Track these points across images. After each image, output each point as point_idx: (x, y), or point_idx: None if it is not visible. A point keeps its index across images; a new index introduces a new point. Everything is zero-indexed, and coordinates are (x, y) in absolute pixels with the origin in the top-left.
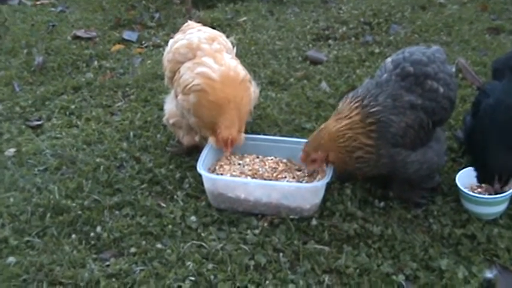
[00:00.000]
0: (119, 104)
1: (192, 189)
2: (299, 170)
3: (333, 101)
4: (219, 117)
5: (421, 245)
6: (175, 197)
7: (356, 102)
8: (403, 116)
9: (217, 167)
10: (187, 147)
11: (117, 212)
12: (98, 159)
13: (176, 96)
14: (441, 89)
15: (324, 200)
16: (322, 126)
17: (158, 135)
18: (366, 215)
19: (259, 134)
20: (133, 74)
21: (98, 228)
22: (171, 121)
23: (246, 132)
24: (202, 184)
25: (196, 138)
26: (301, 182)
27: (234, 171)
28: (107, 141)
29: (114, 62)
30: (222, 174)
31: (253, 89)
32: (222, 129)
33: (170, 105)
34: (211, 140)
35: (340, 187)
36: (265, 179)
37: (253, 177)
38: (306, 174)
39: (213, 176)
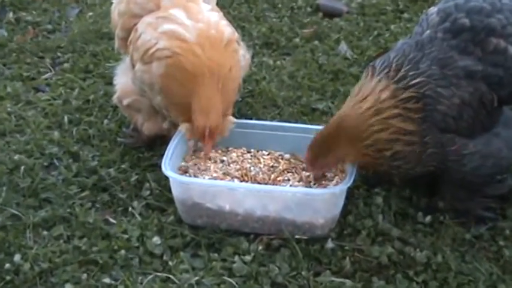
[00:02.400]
0: (47, 75)
1: (155, 198)
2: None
3: (356, 69)
4: (193, 96)
5: (487, 279)
6: (130, 209)
7: (386, 73)
8: (456, 88)
9: (191, 166)
10: (147, 138)
11: (45, 233)
12: (16, 156)
13: (133, 65)
14: (511, 50)
15: (345, 212)
16: (336, 115)
17: (105, 121)
18: (405, 235)
19: (250, 118)
20: (68, 31)
21: (17, 257)
22: (125, 101)
23: (233, 116)
24: (169, 191)
25: (165, 125)
26: (310, 186)
27: (215, 171)
28: (29, 130)
29: (38, 14)
30: (197, 176)
31: (243, 54)
32: (197, 115)
33: (124, 79)
34: (182, 128)
35: (368, 194)
36: (259, 183)
37: (242, 180)
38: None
39: (186, 178)
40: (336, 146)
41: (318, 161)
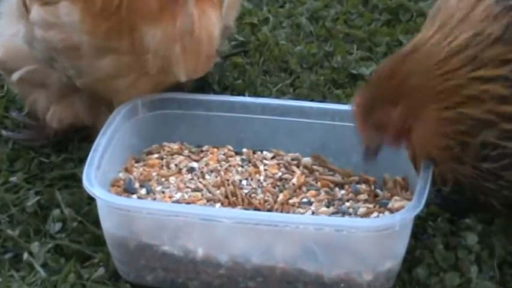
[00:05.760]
0: None
1: (71, 237)
2: (342, 185)
3: (429, 4)
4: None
5: None
6: (25, 256)
7: None
8: None
9: (135, 180)
10: (54, 132)
11: None
12: None
13: (26, 8)
14: None
15: (410, 260)
16: (411, 42)
17: None
18: None
19: (242, 94)
20: None
21: None
22: (15, 75)
23: (211, 89)
24: (96, 223)
25: (84, 113)
26: (348, 213)
27: (178, 188)
28: None
29: None
30: (147, 196)
31: None
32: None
33: (13, 28)
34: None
35: (452, 229)
36: (257, 209)
37: (228, 205)
38: (353, 186)
39: (126, 201)
40: (407, 88)
41: (375, 115)
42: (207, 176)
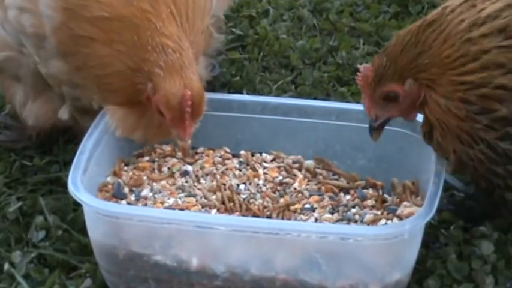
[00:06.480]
0: None
1: (56, 246)
2: (348, 189)
3: None
4: (138, 49)
5: None
6: (6, 267)
7: None
8: None
9: (125, 185)
10: (37, 133)
11: None
12: None
13: None
14: None
15: (421, 271)
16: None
17: None
18: None
19: (239, 91)
20: None
21: None
22: None
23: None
24: (83, 231)
25: (63, 114)
26: (354, 220)
27: (171, 194)
28: None
29: None
30: (137, 202)
31: None
32: (161, 79)
33: None
34: (113, 115)
35: (465, 237)
36: (256, 215)
37: (224, 211)
38: (361, 194)
39: (115, 207)
40: (423, 56)
41: (385, 85)
42: (202, 180)
